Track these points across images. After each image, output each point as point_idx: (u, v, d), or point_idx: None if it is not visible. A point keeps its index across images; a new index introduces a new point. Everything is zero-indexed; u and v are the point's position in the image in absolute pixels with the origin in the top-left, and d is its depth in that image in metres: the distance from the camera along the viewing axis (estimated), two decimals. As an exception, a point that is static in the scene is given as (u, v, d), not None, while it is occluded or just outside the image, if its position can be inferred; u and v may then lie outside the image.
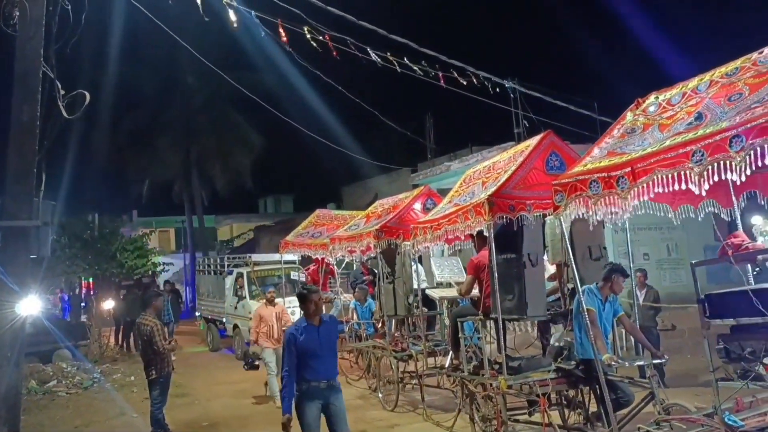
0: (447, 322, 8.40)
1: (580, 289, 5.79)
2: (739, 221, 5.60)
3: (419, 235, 8.03)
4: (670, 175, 4.50)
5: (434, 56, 11.45)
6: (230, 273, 16.63)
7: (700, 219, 5.73)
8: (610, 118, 5.96)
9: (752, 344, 4.10)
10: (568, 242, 5.98)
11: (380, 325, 10.10)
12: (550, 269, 7.28)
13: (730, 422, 3.96)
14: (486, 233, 6.86)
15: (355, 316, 10.72)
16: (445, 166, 19.34)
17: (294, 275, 14.90)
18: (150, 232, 23.53)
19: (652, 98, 5.48)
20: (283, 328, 8.40)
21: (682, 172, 4.41)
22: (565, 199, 5.30)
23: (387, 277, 9.36)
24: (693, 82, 5.31)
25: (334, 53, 10.49)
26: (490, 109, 14.92)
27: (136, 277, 21.00)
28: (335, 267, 12.62)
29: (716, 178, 4.25)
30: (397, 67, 11.58)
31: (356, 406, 9.31)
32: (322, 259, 12.49)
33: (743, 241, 4.19)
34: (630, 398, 5.75)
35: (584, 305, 5.64)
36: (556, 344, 6.72)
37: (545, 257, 6.98)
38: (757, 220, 8.15)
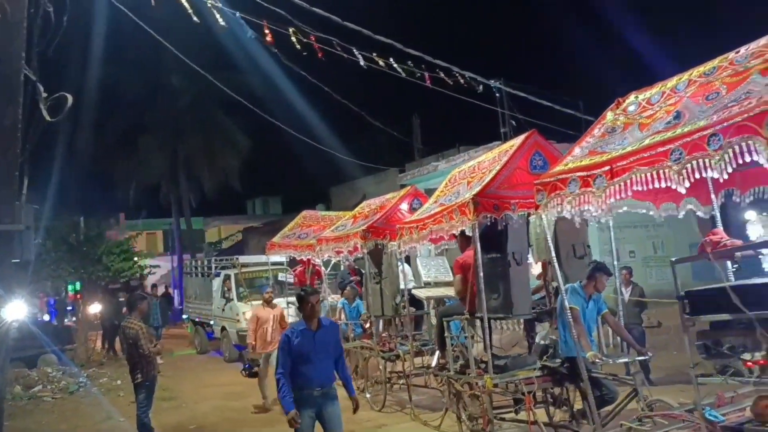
0: (434, 321, 8.43)
1: (564, 288, 5.84)
2: (719, 219, 5.68)
3: (405, 235, 8.06)
4: (649, 174, 4.56)
5: (420, 56, 11.48)
6: (217, 275, 16.58)
7: (681, 217, 5.81)
8: (596, 117, 6.01)
9: (731, 340, 4.16)
10: (551, 241, 6.02)
11: (368, 325, 10.11)
12: (537, 268, 7.33)
13: (710, 417, 4.01)
14: (471, 233, 6.91)
15: (342, 316, 10.73)
16: (433, 166, 19.40)
17: (282, 277, 14.89)
18: (136, 235, 23.40)
19: (632, 98, 5.54)
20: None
21: (661, 171, 4.47)
22: (546, 198, 5.35)
23: (374, 278, 9.38)
24: (672, 82, 5.38)
25: (320, 54, 10.50)
26: (477, 108, 14.99)
27: (123, 281, 20.87)
28: (322, 268, 12.61)
29: (695, 177, 4.31)
30: (384, 68, 11.62)
31: (344, 407, 9.27)
32: (308, 260, 12.48)
33: (722, 238, 4.25)
34: (614, 395, 5.81)
35: (567, 303, 5.69)
36: (542, 342, 6.76)
37: (530, 256, 7.02)
38: (750, 215, 8.23)
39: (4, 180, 6.33)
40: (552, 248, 5.95)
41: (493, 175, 7.07)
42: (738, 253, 4.34)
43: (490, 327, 6.88)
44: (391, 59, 11.65)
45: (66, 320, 22.93)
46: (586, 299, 6.19)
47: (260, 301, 10.56)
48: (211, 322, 16.38)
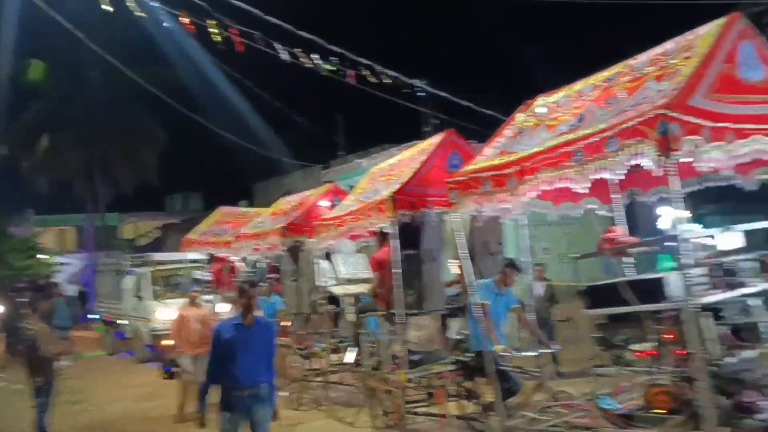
0: (350, 318, 8.45)
1: (475, 284, 5.99)
2: (621, 217, 5.99)
3: (324, 232, 8.05)
4: (553, 174, 4.74)
5: (343, 54, 11.50)
6: (130, 273, 15.95)
7: (601, 214, 6.06)
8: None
9: (624, 332, 4.40)
10: (465, 238, 6.16)
11: (287, 323, 10.00)
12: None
13: (605, 406, 4.22)
14: (388, 230, 6.97)
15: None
16: (356, 163, 19.47)
17: (198, 275, 14.50)
18: (42, 231, 22.17)
19: (540, 100, 5.75)
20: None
21: (564, 171, 4.66)
22: (459, 196, 5.46)
23: (291, 275, 9.30)
24: (578, 85, 5.63)
25: (239, 47, 10.31)
26: (402, 107, 15.16)
27: (28, 279, 19.75)
28: (239, 265, 12.36)
29: (595, 177, 4.53)
30: (308, 63, 11.56)
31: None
32: (224, 257, 12.20)
33: (618, 235, 4.49)
34: (520, 387, 6.01)
35: (478, 299, 5.84)
36: (455, 337, 6.91)
37: (444, 254, 7.16)
38: (664, 210, 8.61)
39: None
40: (466, 245, 6.10)
41: (412, 174, 7.19)
42: (634, 249, 4.59)
43: (406, 323, 6.98)
44: (316, 56, 11.62)
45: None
46: (497, 294, 6.37)
47: (175, 300, 10.24)
48: (124, 322, 15.74)
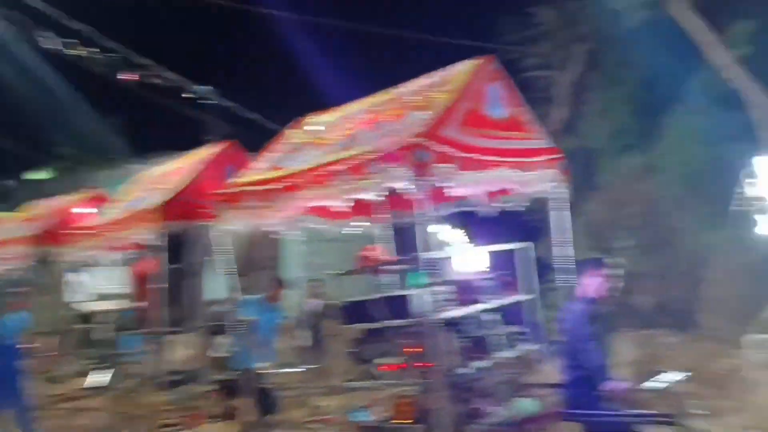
0: (107, 336, 7.75)
1: (241, 300, 5.85)
2: (390, 237, 6.29)
3: (82, 242, 7.35)
4: (318, 192, 4.80)
5: (118, 50, 10.76)
6: None
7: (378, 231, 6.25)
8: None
9: (377, 347, 4.58)
10: (239, 253, 6.01)
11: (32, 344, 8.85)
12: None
13: (353, 419, 4.34)
14: (155, 242, 6.55)
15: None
16: (134, 169, 18.12)
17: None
18: None
19: (312, 118, 5.84)
20: None
21: (329, 190, 4.75)
22: (223, 209, 5.31)
23: (40, 290, 8.29)
24: (351, 107, 5.81)
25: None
26: (190, 115, 14.48)
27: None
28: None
29: (356, 197, 4.69)
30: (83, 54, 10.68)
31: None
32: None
33: (375, 254, 4.72)
34: (279, 404, 5.96)
35: (242, 315, 5.71)
36: (217, 355, 6.66)
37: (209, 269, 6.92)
38: (435, 228, 9.13)
39: None
40: (234, 260, 5.92)
41: (186, 183, 6.89)
42: (388, 267, 4.82)
43: (167, 342, 6.59)
44: (93, 49, 10.77)
45: None
46: (265, 310, 6.27)
47: None
48: None
